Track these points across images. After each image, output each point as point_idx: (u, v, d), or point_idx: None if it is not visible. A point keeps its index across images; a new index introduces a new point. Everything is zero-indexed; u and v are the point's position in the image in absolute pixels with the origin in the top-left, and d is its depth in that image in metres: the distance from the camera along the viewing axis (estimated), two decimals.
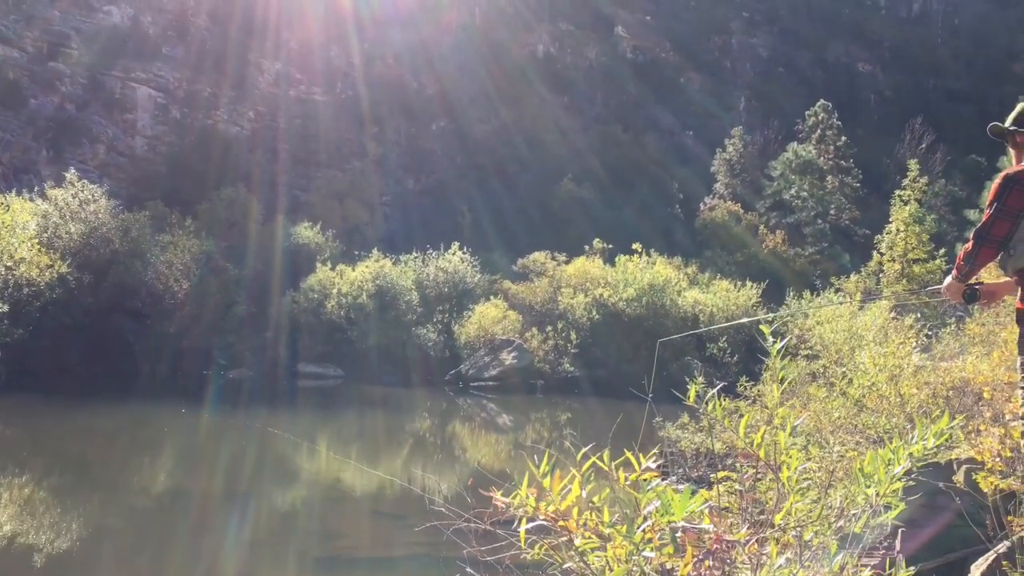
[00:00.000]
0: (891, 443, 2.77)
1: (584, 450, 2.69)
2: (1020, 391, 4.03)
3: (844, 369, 11.51)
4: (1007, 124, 4.13)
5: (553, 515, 2.35)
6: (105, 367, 25.35)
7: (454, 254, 35.51)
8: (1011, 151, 4.17)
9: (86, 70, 53.04)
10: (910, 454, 2.60)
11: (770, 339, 2.96)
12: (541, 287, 34.97)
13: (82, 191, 28.36)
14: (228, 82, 59.83)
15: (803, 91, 72.92)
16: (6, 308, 22.47)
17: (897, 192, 30.10)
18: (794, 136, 60.68)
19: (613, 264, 36.39)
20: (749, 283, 35.16)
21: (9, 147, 45.42)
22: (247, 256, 34.11)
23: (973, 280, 4.15)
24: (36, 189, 28.73)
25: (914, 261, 28.11)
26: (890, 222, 29.38)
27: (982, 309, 12.18)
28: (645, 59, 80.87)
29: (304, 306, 32.30)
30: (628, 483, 2.60)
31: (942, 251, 28.89)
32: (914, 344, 11.53)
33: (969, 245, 3.99)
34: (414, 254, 35.92)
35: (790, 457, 3.02)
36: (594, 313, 32.63)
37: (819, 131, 57.31)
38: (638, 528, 2.28)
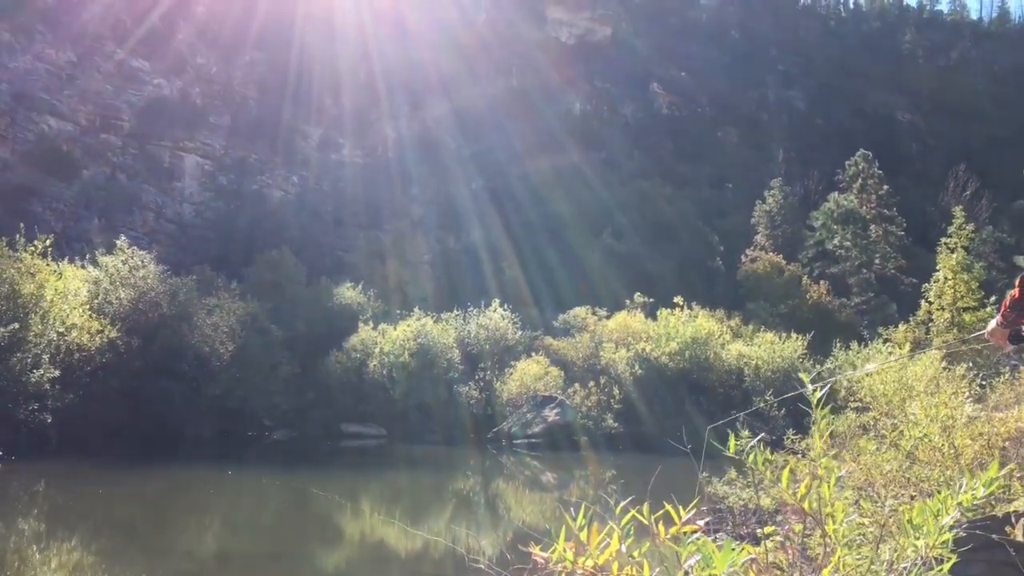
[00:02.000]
0: (940, 494, 2.70)
1: (623, 503, 2.66)
2: None
3: (895, 421, 11.23)
4: None
5: (592, 570, 2.32)
6: (153, 430, 25.64)
7: (495, 311, 35.62)
8: None
9: (136, 141, 54.89)
10: (959, 504, 2.53)
11: (809, 387, 2.92)
12: (582, 342, 34.86)
13: (132, 257, 29.08)
14: (272, 148, 61.49)
15: (842, 142, 72.68)
16: (57, 373, 22.92)
17: (943, 240, 29.67)
18: (835, 186, 60.34)
19: (655, 318, 36.19)
20: (794, 335, 34.65)
21: (62, 217, 46.91)
22: (291, 317, 34.55)
23: None
24: (88, 256, 29.51)
25: (964, 309, 27.53)
26: (937, 270, 28.90)
27: None
28: (681, 114, 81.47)
29: (347, 365, 32.52)
30: (668, 537, 2.56)
31: (992, 299, 28.27)
32: (966, 394, 11.23)
33: (1016, 292, 3.91)
34: (455, 312, 36.09)
35: (835, 509, 2.95)
36: (637, 368, 32.37)
37: (860, 180, 56.88)
38: None
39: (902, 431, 9.74)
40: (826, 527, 2.90)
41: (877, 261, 52.28)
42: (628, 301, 39.22)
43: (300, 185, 63.00)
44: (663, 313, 35.86)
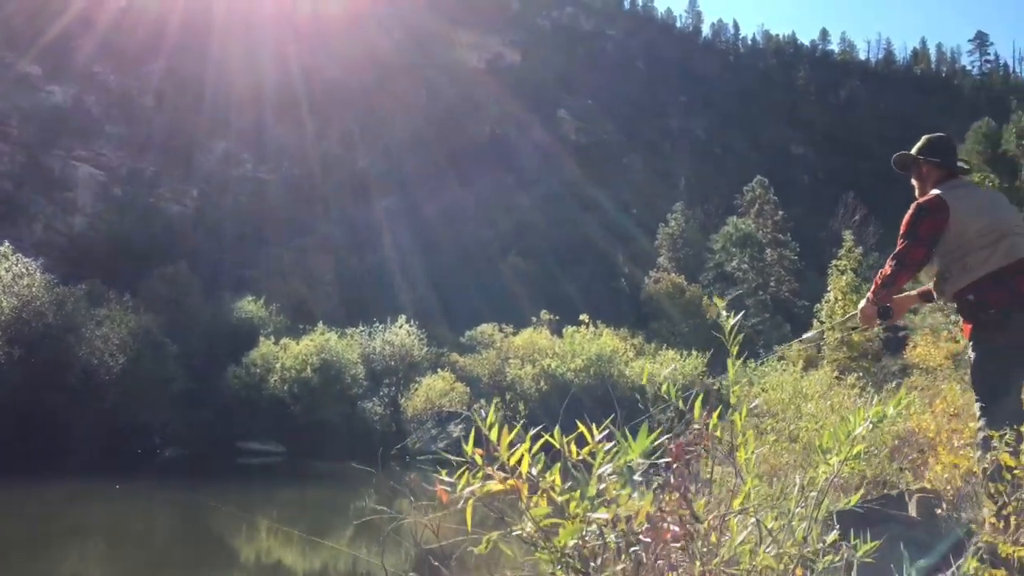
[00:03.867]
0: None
1: (534, 431, 2.57)
2: (977, 407, 4.05)
3: (792, 426, 11.51)
4: (914, 151, 4.33)
5: (503, 477, 2.21)
6: (35, 445, 24.20)
7: (400, 327, 35.20)
8: (914, 182, 4.37)
9: (25, 149, 52.39)
10: (868, 417, 2.53)
11: (723, 313, 2.90)
12: (489, 359, 34.73)
13: (16, 265, 27.56)
14: (172, 160, 59.59)
15: (740, 171, 75.37)
16: None
17: (834, 262, 30.85)
18: (733, 211, 62.38)
19: (561, 335, 36.40)
20: (695, 352, 35.35)
21: None
22: (188, 331, 33.35)
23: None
24: None
25: (853, 329, 28.61)
26: (828, 291, 30.03)
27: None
28: (588, 140, 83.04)
29: (246, 381, 31.54)
30: (581, 457, 2.47)
31: (878, 322, 29.39)
32: (857, 396, 11.66)
33: (887, 270, 4.14)
34: (360, 328, 35.53)
35: (747, 438, 2.93)
36: (542, 384, 32.42)
37: (757, 206, 59.09)
38: (594, 489, 2.16)
39: (800, 429, 9.98)
40: (737, 455, 2.86)
41: (772, 283, 54.18)
42: (534, 319, 39.36)
43: (200, 199, 61.20)
44: (569, 330, 36.08)
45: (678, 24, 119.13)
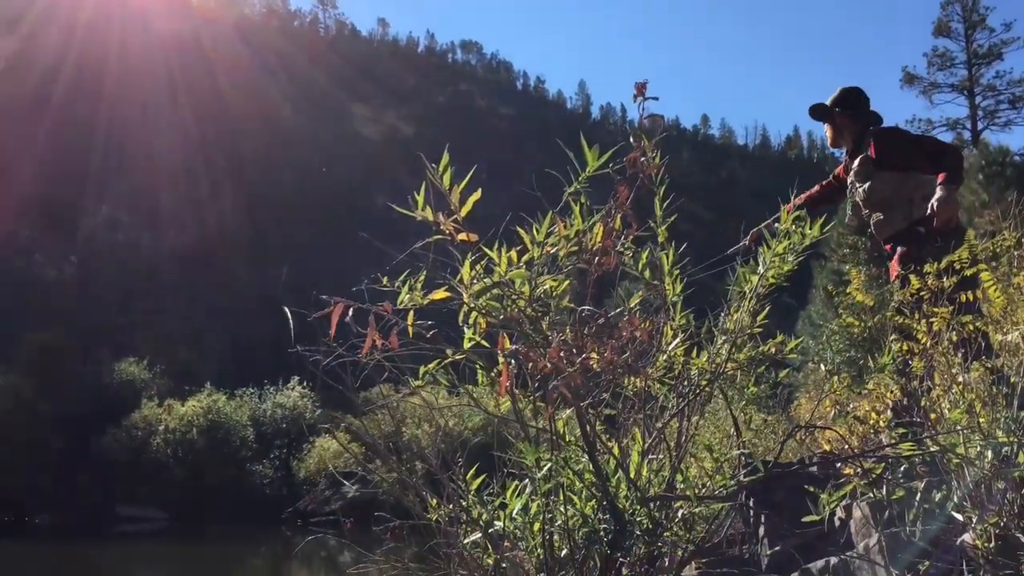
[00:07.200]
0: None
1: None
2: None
3: None
4: (829, 103, 4.52)
5: (456, 227, 2.22)
6: None
7: (293, 389, 34.18)
8: (827, 132, 4.55)
9: None
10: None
11: None
12: (384, 419, 34.02)
13: None
14: (50, 224, 57.20)
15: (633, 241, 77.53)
16: None
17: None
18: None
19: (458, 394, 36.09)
20: None
21: None
22: (65, 392, 31.47)
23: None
24: None
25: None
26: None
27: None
28: (484, 214, 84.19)
29: (126, 444, 29.84)
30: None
31: None
32: None
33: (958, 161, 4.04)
34: (251, 389, 34.35)
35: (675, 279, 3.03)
36: (439, 442, 31.90)
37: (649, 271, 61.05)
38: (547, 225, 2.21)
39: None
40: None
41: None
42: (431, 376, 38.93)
43: (80, 264, 58.71)
44: (469, 388, 35.83)
45: (568, 105, 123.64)
